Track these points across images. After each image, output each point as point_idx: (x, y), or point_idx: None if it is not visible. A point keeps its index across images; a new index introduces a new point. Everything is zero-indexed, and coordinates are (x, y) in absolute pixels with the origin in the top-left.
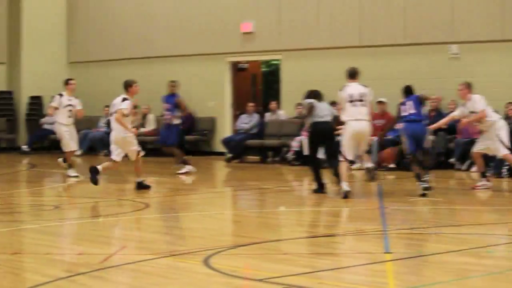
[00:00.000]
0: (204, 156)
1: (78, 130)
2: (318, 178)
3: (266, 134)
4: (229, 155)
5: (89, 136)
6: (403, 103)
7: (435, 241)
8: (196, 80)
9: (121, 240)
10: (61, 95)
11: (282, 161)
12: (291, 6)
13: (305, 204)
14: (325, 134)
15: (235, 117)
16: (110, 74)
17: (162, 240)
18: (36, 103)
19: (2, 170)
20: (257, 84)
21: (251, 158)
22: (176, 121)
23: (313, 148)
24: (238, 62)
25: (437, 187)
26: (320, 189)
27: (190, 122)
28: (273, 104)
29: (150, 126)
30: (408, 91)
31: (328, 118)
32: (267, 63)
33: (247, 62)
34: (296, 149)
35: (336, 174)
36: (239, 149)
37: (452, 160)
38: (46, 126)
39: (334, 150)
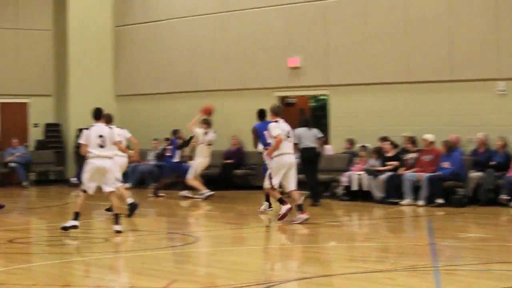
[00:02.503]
0: (253, 190)
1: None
2: None
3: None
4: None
5: (138, 169)
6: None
7: (485, 277)
8: (244, 115)
9: (171, 274)
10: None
11: (332, 196)
12: (338, 41)
13: (355, 239)
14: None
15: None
16: (157, 107)
17: (212, 274)
18: None
19: (51, 202)
20: None
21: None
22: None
23: None
24: (286, 97)
25: (487, 223)
26: None
27: (239, 157)
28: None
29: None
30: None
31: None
32: (315, 98)
33: (295, 97)
34: (346, 184)
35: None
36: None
37: (502, 196)
38: None
39: None
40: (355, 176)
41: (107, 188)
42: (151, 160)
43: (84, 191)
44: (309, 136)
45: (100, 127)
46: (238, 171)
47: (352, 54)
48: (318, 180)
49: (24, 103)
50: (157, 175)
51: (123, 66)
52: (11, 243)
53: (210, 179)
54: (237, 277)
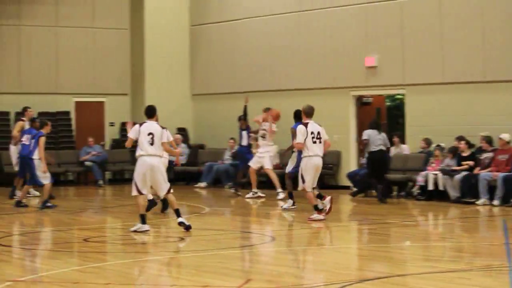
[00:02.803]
0: (329, 190)
1: (203, 163)
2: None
3: (391, 169)
4: (354, 189)
5: (214, 169)
6: None
7: None
8: (320, 114)
9: (246, 273)
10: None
11: (407, 196)
12: (414, 40)
13: (430, 239)
14: None
15: (360, 151)
16: (232, 106)
17: (288, 273)
18: None
19: (126, 201)
20: (382, 118)
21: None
22: None
23: None
24: (362, 96)
25: None
26: None
27: None
28: (395, 139)
29: (275, 159)
30: None
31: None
32: (391, 97)
33: (371, 96)
34: (421, 183)
35: None
36: (364, 183)
37: None
38: (170, 158)
39: None
40: (431, 176)
41: (161, 192)
42: (227, 159)
43: (140, 193)
44: (377, 139)
45: (151, 125)
46: None
47: (428, 53)
48: (386, 180)
49: (101, 102)
50: (233, 174)
51: (199, 65)
52: (86, 242)
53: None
54: (312, 276)
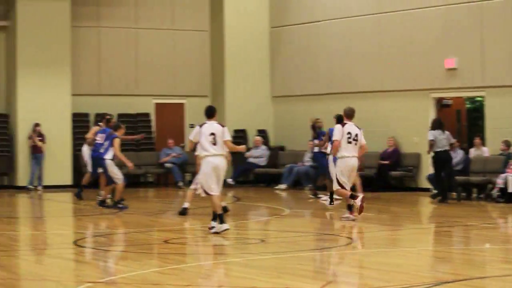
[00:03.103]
0: (409, 192)
1: (283, 164)
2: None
3: (471, 171)
4: (434, 192)
5: (294, 171)
6: None
7: None
8: (399, 116)
9: (326, 275)
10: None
11: (487, 198)
12: (494, 42)
13: (510, 241)
14: None
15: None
16: (312, 108)
17: (367, 275)
18: (240, 136)
19: (206, 203)
20: (462, 120)
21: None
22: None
23: None
24: (442, 98)
25: None
26: None
27: (395, 158)
28: (477, 140)
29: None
30: None
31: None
32: (471, 99)
33: (451, 98)
34: (501, 186)
35: None
36: (443, 185)
37: None
38: (251, 160)
39: None
40: (510, 178)
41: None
42: (307, 161)
43: (207, 193)
44: (442, 139)
45: (212, 125)
46: (394, 173)
47: (508, 54)
48: (452, 181)
49: (181, 104)
50: (313, 176)
51: (279, 67)
52: (166, 244)
53: (366, 180)
54: (391, 278)
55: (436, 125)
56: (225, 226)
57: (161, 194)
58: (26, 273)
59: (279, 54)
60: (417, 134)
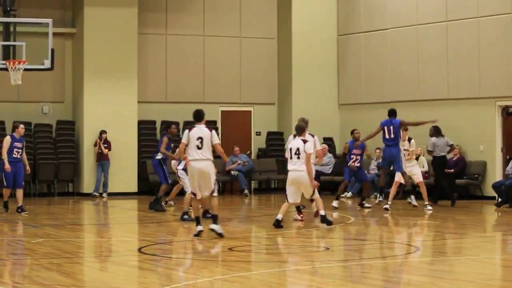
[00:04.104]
0: (475, 200)
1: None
2: None
3: None
4: (499, 200)
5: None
6: None
7: None
8: (466, 124)
9: (390, 283)
10: None
11: None
12: None
13: None
14: None
15: (506, 161)
16: (379, 116)
17: (432, 284)
18: None
19: (272, 210)
20: None
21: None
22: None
23: None
24: (508, 107)
25: None
26: None
27: (461, 166)
28: None
29: (423, 169)
30: None
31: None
32: None
33: None
34: None
35: None
36: (509, 193)
37: None
38: (317, 168)
39: None
40: None
41: (206, 193)
42: (373, 169)
43: (194, 195)
44: (440, 144)
45: (200, 129)
46: (460, 181)
47: None
48: (453, 184)
49: (248, 111)
50: (378, 184)
51: (347, 75)
52: (231, 251)
53: (431, 188)
54: (457, 287)
55: (434, 132)
56: (199, 227)
57: (227, 202)
58: (91, 280)
59: (346, 62)
60: (483, 143)
